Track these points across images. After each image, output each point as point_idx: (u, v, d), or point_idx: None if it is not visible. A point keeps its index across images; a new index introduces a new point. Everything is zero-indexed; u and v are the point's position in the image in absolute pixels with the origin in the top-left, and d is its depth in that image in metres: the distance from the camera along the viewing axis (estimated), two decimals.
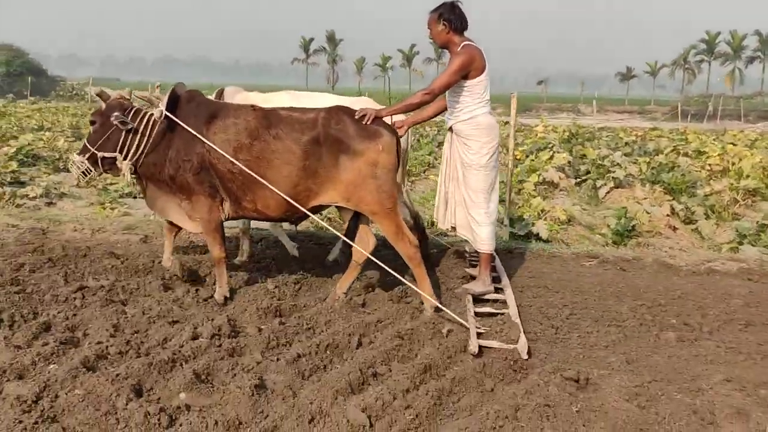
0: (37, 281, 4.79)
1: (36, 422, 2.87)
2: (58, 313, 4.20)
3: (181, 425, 2.95)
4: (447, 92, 4.64)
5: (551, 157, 12.55)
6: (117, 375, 3.28)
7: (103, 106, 4.65)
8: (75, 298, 4.49)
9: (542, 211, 8.29)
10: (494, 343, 3.87)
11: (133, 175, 4.76)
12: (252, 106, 4.63)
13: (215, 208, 4.56)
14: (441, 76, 4.49)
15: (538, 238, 7.31)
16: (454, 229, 4.96)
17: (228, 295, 4.65)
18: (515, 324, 4.17)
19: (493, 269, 5.20)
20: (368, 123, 4.35)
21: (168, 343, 3.81)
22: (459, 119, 4.63)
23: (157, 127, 4.56)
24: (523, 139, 18.31)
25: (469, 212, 4.73)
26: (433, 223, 6.48)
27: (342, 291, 4.64)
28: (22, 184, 9.40)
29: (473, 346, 3.79)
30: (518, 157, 14.87)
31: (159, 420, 2.95)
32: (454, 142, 4.75)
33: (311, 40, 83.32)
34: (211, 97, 5.23)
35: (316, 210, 4.60)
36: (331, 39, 76.13)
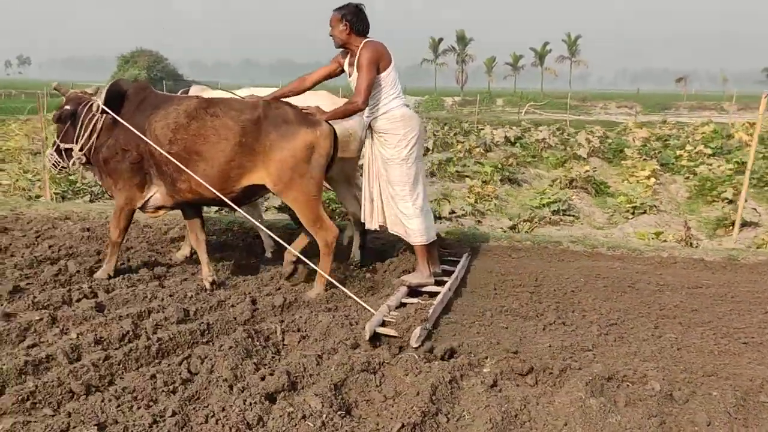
0: None
1: None
2: None
3: None
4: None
5: None
6: None
7: (63, 100, 5.01)
8: None
9: None
10: (389, 331, 3.96)
11: (88, 165, 5.06)
12: (196, 96, 4.97)
13: (139, 198, 4.83)
14: (360, 79, 4.51)
15: None
16: (382, 227, 4.98)
17: (111, 275, 4.83)
18: (426, 314, 4.10)
19: (453, 264, 5.34)
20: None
21: None
22: (375, 115, 4.70)
23: (100, 120, 4.84)
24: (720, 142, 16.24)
25: (397, 207, 4.78)
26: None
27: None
28: None
29: (367, 331, 3.90)
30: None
31: None
32: (375, 140, 4.79)
33: (440, 40, 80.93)
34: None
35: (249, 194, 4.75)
36: (461, 39, 74.74)
